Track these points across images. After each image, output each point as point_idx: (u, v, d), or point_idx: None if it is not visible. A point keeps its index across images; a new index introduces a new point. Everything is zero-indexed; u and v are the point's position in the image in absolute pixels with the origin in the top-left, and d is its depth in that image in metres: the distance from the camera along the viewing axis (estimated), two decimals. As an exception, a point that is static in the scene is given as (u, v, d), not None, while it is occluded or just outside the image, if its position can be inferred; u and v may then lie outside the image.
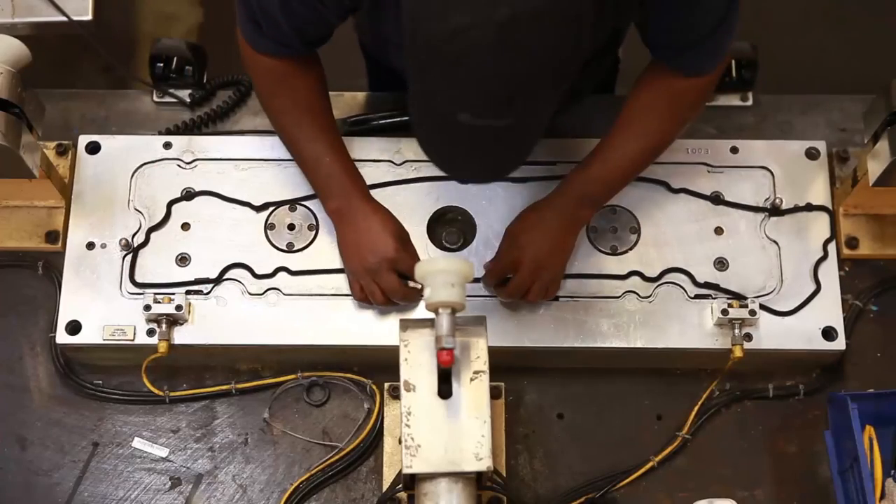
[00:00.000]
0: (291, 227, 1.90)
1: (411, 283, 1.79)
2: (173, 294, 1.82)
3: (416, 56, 1.31)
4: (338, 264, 1.86)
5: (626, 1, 1.57)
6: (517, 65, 1.26)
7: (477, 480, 1.62)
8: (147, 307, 1.80)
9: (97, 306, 1.84)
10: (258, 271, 1.86)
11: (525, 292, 1.78)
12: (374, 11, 1.62)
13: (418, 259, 1.80)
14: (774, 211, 1.90)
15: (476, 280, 1.83)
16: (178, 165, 1.93)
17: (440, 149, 1.44)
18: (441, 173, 1.90)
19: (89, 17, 2.13)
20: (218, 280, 1.86)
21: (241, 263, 1.87)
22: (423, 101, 1.37)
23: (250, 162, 1.93)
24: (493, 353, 1.65)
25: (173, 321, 1.82)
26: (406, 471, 1.58)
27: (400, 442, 1.62)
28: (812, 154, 1.94)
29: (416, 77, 1.34)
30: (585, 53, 1.34)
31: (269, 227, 1.90)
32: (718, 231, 1.90)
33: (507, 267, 1.78)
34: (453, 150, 1.42)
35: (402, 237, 1.80)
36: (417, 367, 1.62)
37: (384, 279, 1.77)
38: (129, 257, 1.87)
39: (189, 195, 1.91)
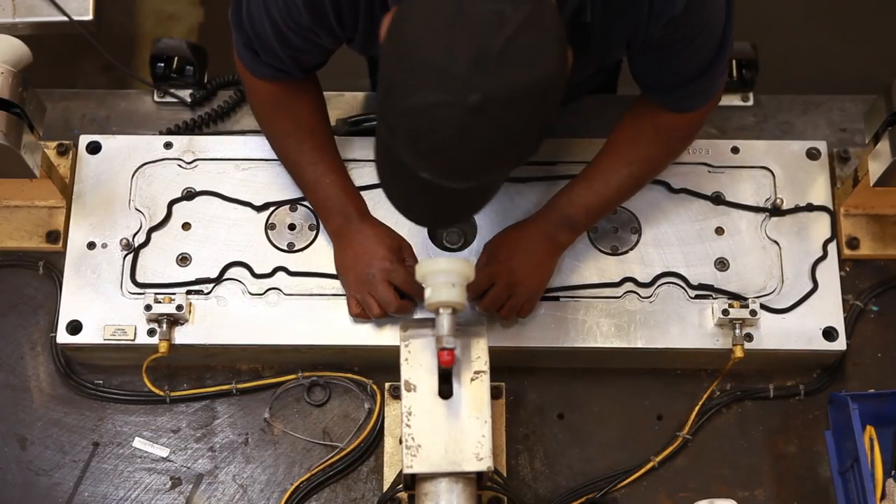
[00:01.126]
0: (292, 226, 1.90)
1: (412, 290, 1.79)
2: (174, 294, 1.82)
3: (386, 119, 1.34)
4: (338, 264, 1.87)
5: (614, 43, 1.58)
6: (482, 144, 1.30)
7: (477, 480, 1.62)
8: (148, 307, 1.80)
9: (98, 306, 1.84)
10: (259, 271, 1.86)
11: (500, 306, 1.79)
12: (368, 41, 1.63)
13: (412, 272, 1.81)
14: (775, 211, 1.90)
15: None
16: (179, 165, 1.93)
17: (398, 193, 1.46)
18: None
19: (90, 16, 2.13)
20: (218, 280, 1.85)
21: (241, 263, 1.87)
22: (388, 153, 1.40)
23: (251, 162, 1.93)
24: (494, 353, 1.65)
25: (174, 321, 1.82)
26: (406, 471, 1.58)
27: (400, 442, 1.62)
28: (813, 154, 1.95)
29: (383, 133, 1.37)
30: (550, 131, 1.37)
31: (269, 226, 1.90)
32: (719, 231, 1.90)
33: (484, 281, 1.78)
34: (410, 198, 1.45)
35: (397, 249, 1.80)
36: (418, 367, 1.62)
37: (379, 290, 1.77)
38: (129, 257, 1.87)
39: (190, 195, 1.91)
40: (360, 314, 1.81)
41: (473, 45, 1.25)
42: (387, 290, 1.77)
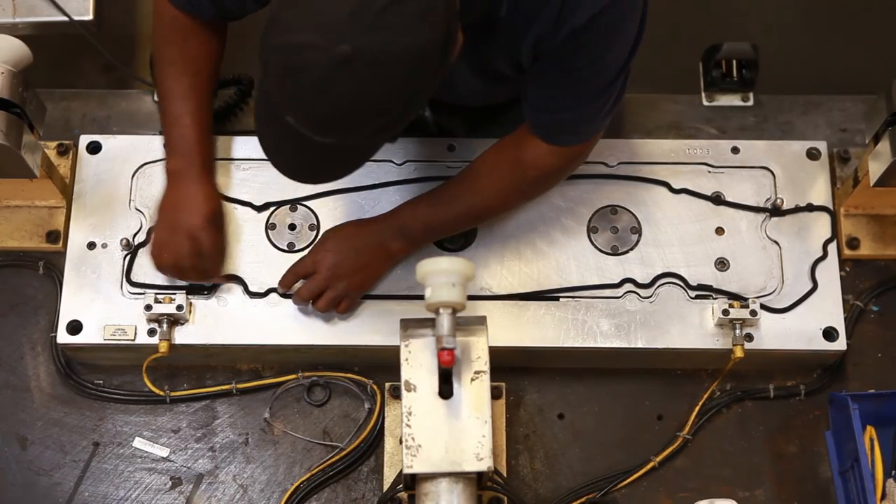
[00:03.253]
0: (292, 226, 1.90)
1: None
2: (174, 294, 1.82)
3: (263, 54, 1.37)
4: (338, 264, 1.87)
5: (526, 41, 1.57)
6: (342, 98, 1.32)
7: (477, 480, 1.62)
8: (148, 307, 1.80)
9: (98, 306, 1.84)
10: (259, 271, 1.86)
11: (316, 297, 1.79)
12: None
13: (221, 242, 1.83)
14: (775, 211, 1.90)
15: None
16: (179, 165, 1.93)
17: (267, 136, 1.47)
18: (441, 173, 1.91)
19: (90, 16, 2.13)
20: (219, 280, 1.86)
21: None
22: (262, 91, 1.42)
23: (251, 162, 1.93)
24: (494, 353, 1.65)
25: (174, 321, 1.82)
26: (407, 471, 1.58)
27: (401, 442, 1.62)
28: (813, 154, 1.95)
29: (261, 70, 1.39)
30: (419, 112, 1.40)
31: (269, 227, 1.90)
32: (719, 231, 1.90)
33: (307, 267, 1.79)
34: (276, 143, 1.47)
35: (215, 215, 1.82)
36: (418, 367, 1.62)
37: (178, 241, 1.78)
38: (129, 257, 1.87)
39: (190, 195, 1.91)
40: (155, 255, 1.80)
41: None
42: (183, 245, 1.78)
